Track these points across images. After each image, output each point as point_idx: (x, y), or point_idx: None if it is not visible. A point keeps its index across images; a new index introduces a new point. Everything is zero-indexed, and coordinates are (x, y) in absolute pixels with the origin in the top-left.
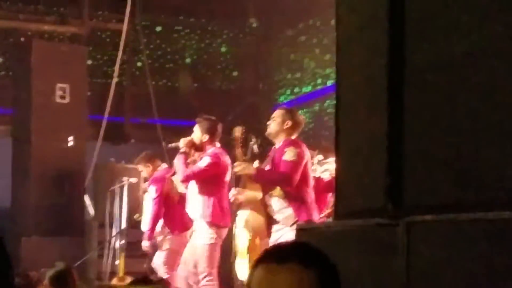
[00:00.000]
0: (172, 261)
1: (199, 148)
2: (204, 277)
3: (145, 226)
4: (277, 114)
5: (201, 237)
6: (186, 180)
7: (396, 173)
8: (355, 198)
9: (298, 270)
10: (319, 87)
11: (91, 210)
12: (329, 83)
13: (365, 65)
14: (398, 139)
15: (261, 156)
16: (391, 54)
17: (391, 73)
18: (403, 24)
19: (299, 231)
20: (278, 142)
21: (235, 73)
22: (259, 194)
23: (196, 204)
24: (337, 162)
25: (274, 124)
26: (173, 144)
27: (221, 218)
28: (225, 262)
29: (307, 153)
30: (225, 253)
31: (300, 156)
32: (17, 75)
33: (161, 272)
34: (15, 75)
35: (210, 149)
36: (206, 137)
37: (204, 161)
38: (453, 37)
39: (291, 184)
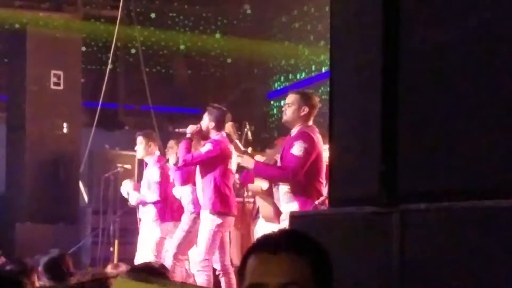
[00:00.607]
0: (160, 248)
1: (205, 135)
2: (200, 261)
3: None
4: (293, 99)
5: (203, 225)
6: (184, 164)
7: (390, 161)
8: (349, 185)
9: (289, 259)
10: (313, 74)
11: (85, 197)
12: (324, 69)
13: (360, 51)
14: (393, 126)
15: (257, 142)
16: (386, 40)
17: (386, 59)
18: (398, 9)
19: (292, 218)
20: (294, 130)
21: (229, 60)
22: (264, 184)
23: (200, 192)
24: (331, 149)
25: (290, 111)
26: (181, 129)
27: (224, 205)
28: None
29: (319, 145)
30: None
31: (307, 152)
32: (12, 62)
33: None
34: (9, 62)
35: (217, 138)
36: (212, 125)
37: (205, 147)
38: (447, 22)
39: (291, 180)
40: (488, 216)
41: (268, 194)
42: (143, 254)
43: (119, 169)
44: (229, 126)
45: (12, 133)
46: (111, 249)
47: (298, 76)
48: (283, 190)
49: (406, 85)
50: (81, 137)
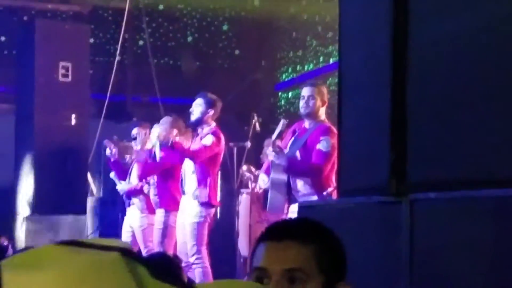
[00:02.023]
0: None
1: (199, 122)
2: (193, 255)
3: None
4: (315, 92)
5: (190, 216)
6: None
7: (400, 149)
8: (358, 175)
9: (294, 246)
10: (321, 65)
11: (94, 188)
12: (332, 61)
13: (369, 41)
14: (402, 115)
15: (265, 134)
16: (395, 30)
17: (395, 49)
18: (406, 2)
19: (301, 208)
20: (310, 122)
21: (237, 52)
22: (284, 177)
23: (191, 183)
24: (340, 140)
25: (312, 104)
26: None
27: (215, 197)
28: (229, 240)
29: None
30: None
31: (333, 148)
32: (21, 53)
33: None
34: (18, 53)
35: (210, 127)
36: (211, 112)
37: (208, 139)
38: (456, 12)
39: (321, 175)
40: (498, 205)
41: (286, 186)
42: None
43: (127, 160)
44: (284, 124)
45: (20, 125)
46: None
47: (306, 68)
48: (300, 182)
49: (416, 74)
50: (89, 128)
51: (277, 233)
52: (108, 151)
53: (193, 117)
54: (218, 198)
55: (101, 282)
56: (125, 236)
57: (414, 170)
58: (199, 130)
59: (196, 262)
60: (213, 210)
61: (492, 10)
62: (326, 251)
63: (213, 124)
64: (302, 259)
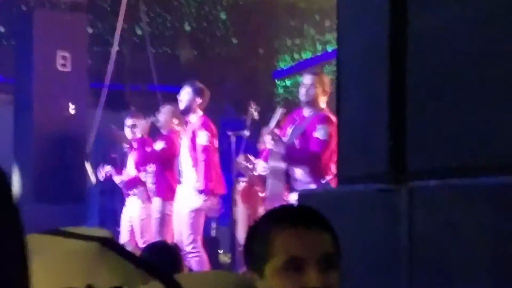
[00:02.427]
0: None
1: (188, 110)
2: (189, 244)
3: None
4: (315, 81)
5: (187, 205)
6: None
7: (398, 137)
8: (357, 163)
9: (321, 233)
10: (319, 53)
11: (92, 177)
12: (329, 49)
13: (367, 29)
14: (401, 103)
15: (262, 122)
16: (394, 20)
17: (393, 37)
18: None
19: (301, 196)
20: (310, 111)
21: (234, 40)
22: (282, 165)
23: (190, 175)
24: (339, 127)
25: (312, 92)
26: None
27: (214, 184)
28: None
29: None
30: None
31: (331, 136)
32: (19, 44)
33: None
34: (17, 44)
35: (197, 116)
36: (199, 101)
37: (203, 138)
38: (455, 3)
39: (319, 163)
40: (498, 193)
41: (284, 174)
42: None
43: (126, 149)
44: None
45: (19, 115)
46: (118, 229)
47: (303, 56)
48: (299, 171)
49: (414, 62)
50: (88, 118)
51: (303, 220)
52: (101, 176)
53: (182, 105)
54: (222, 187)
55: (79, 271)
56: (125, 227)
57: (413, 158)
58: (188, 118)
59: (192, 251)
60: (214, 198)
61: (493, 1)
62: (337, 238)
63: (200, 112)
64: (332, 244)
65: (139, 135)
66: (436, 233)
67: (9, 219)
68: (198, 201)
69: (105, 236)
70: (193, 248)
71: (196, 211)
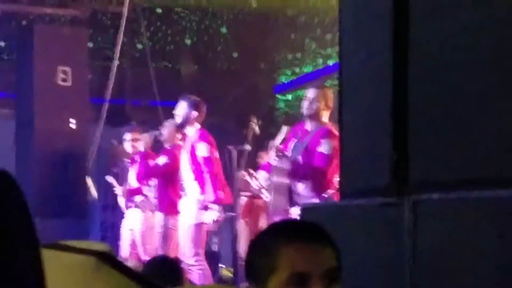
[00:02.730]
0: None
1: (184, 124)
2: (192, 256)
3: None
4: (319, 95)
5: (188, 217)
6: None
7: (401, 150)
8: (360, 176)
9: (326, 248)
10: (320, 67)
11: (93, 192)
12: (331, 63)
13: (369, 41)
14: (404, 115)
15: (263, 136)
16: (396, 29)
17: (396, 48)
18: None
19: (304, 210)
20: (312, 125)
21: (235, 54)
22: (286, 180)
23: (192, 186)
24: (341, 140)
25: (316, 105)
26: None
27: (224, 196)
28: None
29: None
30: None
31: (335, 150)
32: (20, 58)
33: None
34: (17, 58)
35: (195, 129)
36: (195, 114)
37: (203, 150)
38: (459, 10)
39: (324, 178)
40: (502, 206)
41: (287, 189)
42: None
43: (126, 164)
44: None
45: (20, 130)
46: (119, 243)
47: (304, 70)
48: (302, 185)
49: (417, 74)
50: (88, 132)
51: (307, 234)
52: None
53: (178, 119)
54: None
55: (75, 285)
56: (126, 239)
57: (416, 171)
58: (184, 131)
59: (194, 264)
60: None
61: (494, 7)
62: (339, 252)
63: (198, 126)
64: (335, 259)
65: (141, 149)
66: (440, 246)
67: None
68: (200, 214)
69: (102, 250)
70: (196, 261)
71: (198, 224)
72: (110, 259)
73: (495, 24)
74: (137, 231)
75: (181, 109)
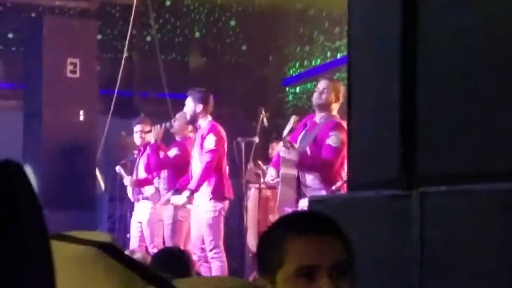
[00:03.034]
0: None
1: (193, 119)
2: (211, 249)
3: None
4: (330, 86)
5: (204, 211)
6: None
7: (410, 142)
8: (368, 169)
9: (335, 241)
10: (328, 60)
11: (102, 184)
12: (339, 56)
13: (378, 34)
14: (412, 108)
15: (272, 129)
16: (404, 22)
17: (405, 42)
18: None
19: (312, 202)
20: (321, 116)
21: (244, 47)
22: (294, 172)
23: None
24: (349, 132)
25: (325, 97)
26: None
27: (224, 190)
28: (237, 235)
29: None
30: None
31: (343, 143)
32: (29, 50)
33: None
34: (26, 50)
35: (206, 121)
36: (200, 108)
37: (210, 142)
38: (468, 6)
39: (331, 170)
40: (510, 199)
41: (296, 180)
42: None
43: (135, 156)
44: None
45: (29, 121)
46: (128, 235)
47: (313, 63)
48: (310, 177)
49: (425, 68)
50: (97, 124)
51: (315, 227)
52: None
53: (188, 116)
54: (230, 191)
55: (75, 276)
56: (134, 232)
57: (424, 163)
58: (197, 124)
59: (214, 256)
60: (226, 203)
61: (504, 4)
62: (350, 245)
63: (209, 118)
64: (343, 253)
65: (152, 141)
66: (448, 238)
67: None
68: (214, 206)
69: (104, 241)
70: (215, 253)
71: (214, 217)
72: (112, 250)
73: (505, 21)
74: (145, 224)
75: (188, 105)
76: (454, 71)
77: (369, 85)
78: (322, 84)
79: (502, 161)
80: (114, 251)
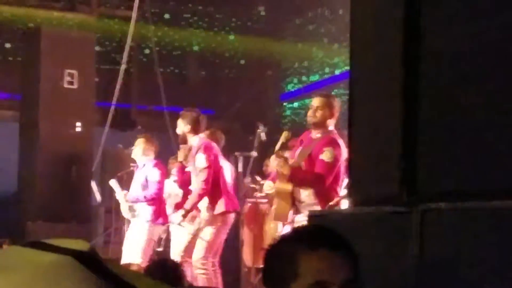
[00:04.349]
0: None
1: (182, 140)
2: (197, 260)
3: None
4: (322, 103)
5: (203, 224)
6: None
7: (411, 159)
8: (368, 185)
9: (347, 256)
10: (326, 76)
11: (98, 196)
12: (337, 72)
13: (380, 49)
14: (413, 125)
15: (270, 144)
16: (407, 38)
17: (407, 58)
18: (419, 11)
19: (312, 217)
20: (317, 133)
21: (242, 61)
22: (289, 186)
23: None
24: (350, 148)
25: (320, 114)
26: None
27: (230, 205)
28: (233, 249)
29: (343, 151)
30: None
31: (336, 159)
32: (26, 60)
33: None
34: (24, 60)
35: (197, 140)
36: (188, 128)
37: (201, 160)
38: (470, 21)
39: (324, 185)
40: (510, 217)
41: (290, 196)
42: (130, 255)
43: (132, 168)
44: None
45: (25, 132)
46: (122, 247)
47: (311, 78)
48: (305, 192)
49: (428, 84)
50: (94, 136)
51: (328, 242)
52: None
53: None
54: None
55: (45, 286)
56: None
57: (425, 180)
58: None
59: (199, 267)
60: (227, 216)
61: (507, 18)
62: (358, 262)
63: (201, 135)
64: (354, 268)
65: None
66: (447, 256)
67: None
68: (213, 221)
69: (80, 249)
70: (201, 264)
71: (214, 230)
72: (88, 259)
73: (507, 37)
74: (139, 240)
75: (179, 126)
76: (456, 88)
77: (370, 101)
78: (315, 101)
79: (503, 179)
80: (91, 260)
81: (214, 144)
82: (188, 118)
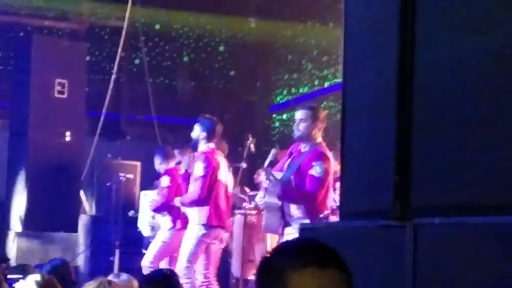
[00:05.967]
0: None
1: (195, 146)
2: (182, 269)
3: None
4: (306, 115)
5: (189, 232)
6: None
7: (404, 173)
8: (361, 198)
9: (336, 273)
10: (316, 88)
11: (86, 206)
12: (326, 84)
13: (374, 62)
14: (407, 139)
15: (258, 155)
16: (401, 52)
17: (401, 71)
18: (413, 23)
19: (303, 230)
20: (306, 145)
21: (232, 73)
22: (278, 201)
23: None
24: (343, 161)
25: (303, 127)
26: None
27: (215, 218)
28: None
29: (333, 164)
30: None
31: (326, 173)
32: (16, 69)
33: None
34: (14, 69)
35: (204, 148)
36: (204, 135)
37: (199, 169)
38: (465, 35)
39: (315, 201)
40: (504, 232)
41: (280, 210)
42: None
43: (121, 178)
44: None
45: (14, 140)
46: (112, 258)
47: (300, 90)
48: (293, 206)
49: (422, 97)
50: (83, 145)
51: (316, 259)
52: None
53: (193, 140)
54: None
55: None
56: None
57: (419, 195)
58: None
59: (182, 276)
60: (217, 231)
61: (502, 33)
62: (351, 278)
63: (210, 145)
64: (347, 285)
65: (183, 170)
66: (440, 270)
67: None
68: (197, 231)
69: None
70: (185, 273)
71: (194, 239)
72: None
73: (500, 52)
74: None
75: (195, 131)
76: (451, 102)
77: (363, 113)
78: (298, 114)
79: (496, 194)
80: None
81: (218, 156)
82: (206, 125)
